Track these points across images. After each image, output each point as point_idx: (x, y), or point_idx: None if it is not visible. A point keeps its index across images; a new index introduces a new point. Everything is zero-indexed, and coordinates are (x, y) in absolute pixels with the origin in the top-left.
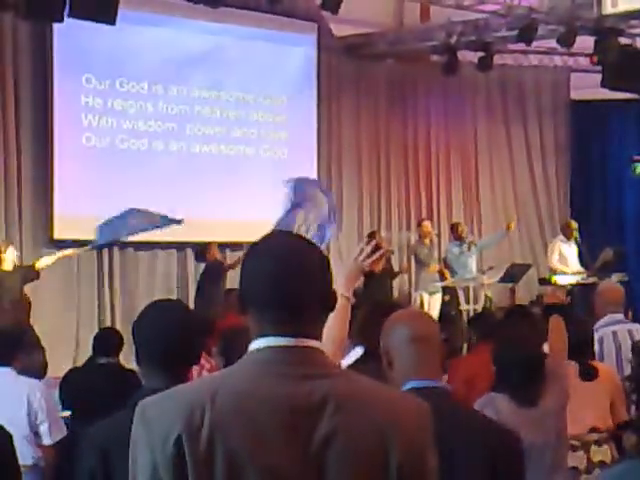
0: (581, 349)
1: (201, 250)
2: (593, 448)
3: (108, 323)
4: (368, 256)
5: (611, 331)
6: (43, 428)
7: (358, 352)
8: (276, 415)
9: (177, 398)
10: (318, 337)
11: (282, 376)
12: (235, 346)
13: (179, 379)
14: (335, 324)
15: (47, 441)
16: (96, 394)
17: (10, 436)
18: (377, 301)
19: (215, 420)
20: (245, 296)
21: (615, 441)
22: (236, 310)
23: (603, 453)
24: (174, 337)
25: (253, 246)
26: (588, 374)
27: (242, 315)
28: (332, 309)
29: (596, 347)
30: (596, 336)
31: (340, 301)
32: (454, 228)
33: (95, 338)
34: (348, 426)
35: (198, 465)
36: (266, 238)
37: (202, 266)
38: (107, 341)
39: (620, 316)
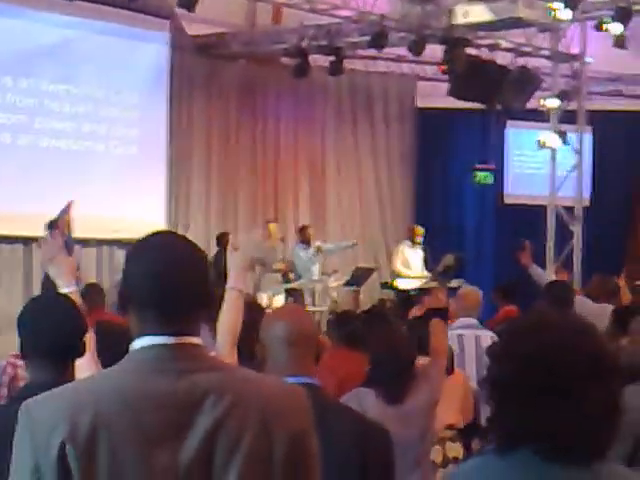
0: None
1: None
2: (448, 444)
3: None
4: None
5: (457, 334)
6: None
7: None
8: (159, 412)
9: (61, 398)
10: (198, 333)
11: (164, 373)
12: (110, 342)
13: (65, 372)
14: (228, 316)
15: None
16: None
17: None
18: None
19: (99, 420)
20: (126, 295)
21: (464, 440)
22: (99, 306)
23: (456, 449)
24: (61, 331)
25: (135, 246)
26: None
27: (122, 314)
28: (211, 306)
29: None
30: None
31: (231, 294)
32: (302, 231)
33: None
34: (230, 418)
35: (81, 467)
36: (147, 238)
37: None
38: None
39: (472, 321)
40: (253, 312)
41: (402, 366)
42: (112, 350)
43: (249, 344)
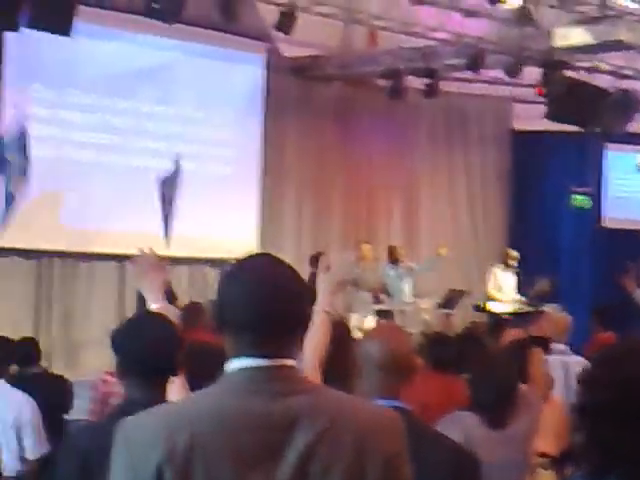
0: None
1: None
2: (539, 471)
3: (44, 332)
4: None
5: (546, 360)
6: (28, 442)
7: None
8: (255, 433)
9: (158, 419)
10: (294, 356)
11: (258, 394)
12: (202, 362)
13: (159, 391)
14: (314, 337)
15: (30, 455)
16: (49, 405)
17: None
18: None
19: (195, 440)
20: (222, 317)
21: (557, 467)
22: (196, 326)
23: (547, 477)
24: (156, 350)
25: (231, 268)
26: None
27: (218, 334)
28: (306, 329)
29: None
30: None
31: (319, 315)
32: (391, 251)
33: (18, 348)
34: (323, 441)
35: None
36: (244, 260)
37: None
38: (32, 350)
39: (562, 346)
40: (340, 332)
41: (504, 391)
42: (202, 372)
43: (335, 364)
